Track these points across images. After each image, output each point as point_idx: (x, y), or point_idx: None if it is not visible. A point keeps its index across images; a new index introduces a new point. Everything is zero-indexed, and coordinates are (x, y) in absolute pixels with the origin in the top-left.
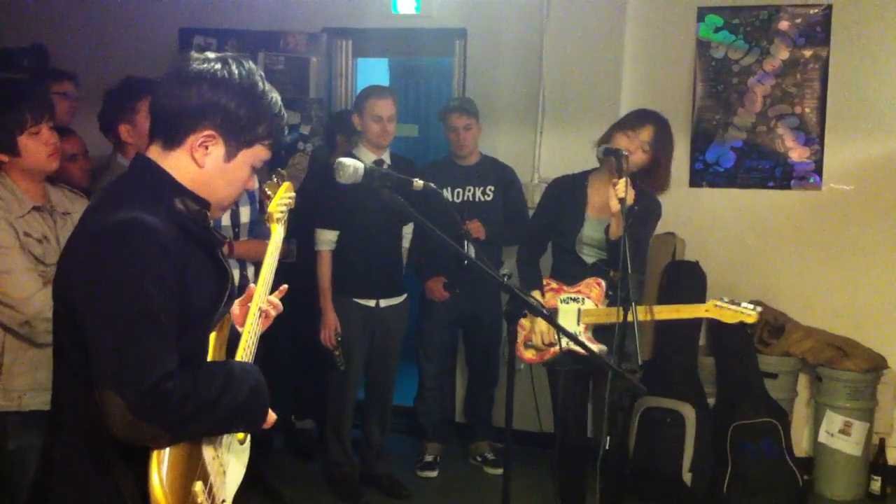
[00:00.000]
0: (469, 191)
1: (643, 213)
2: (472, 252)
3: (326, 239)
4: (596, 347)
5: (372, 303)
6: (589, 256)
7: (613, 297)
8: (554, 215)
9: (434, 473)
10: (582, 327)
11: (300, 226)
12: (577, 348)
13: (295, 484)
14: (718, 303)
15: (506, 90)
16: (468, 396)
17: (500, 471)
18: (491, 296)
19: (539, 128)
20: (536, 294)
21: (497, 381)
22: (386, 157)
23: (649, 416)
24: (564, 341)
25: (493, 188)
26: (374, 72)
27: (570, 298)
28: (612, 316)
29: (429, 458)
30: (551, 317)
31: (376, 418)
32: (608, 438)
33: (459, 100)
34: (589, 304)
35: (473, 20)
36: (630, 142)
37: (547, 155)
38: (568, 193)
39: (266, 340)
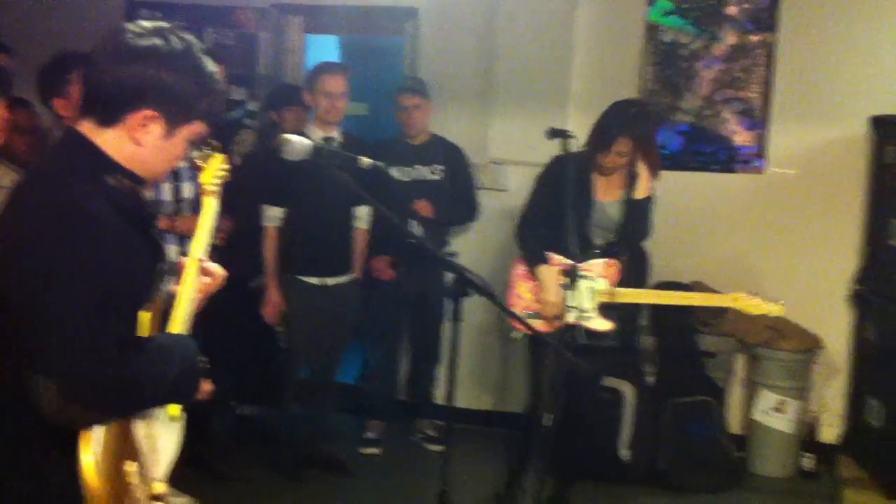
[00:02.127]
0: (418, 170)
1: (651, 201)
2: (419, 231)
3: (272, 215)
4: (608, 325)
5: (318, 281)
6: (597, 238)
7: (622, 281)
8: (556, 195)
9: (377, 450)
10: (594, 304)
11: (247, 202)
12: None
13: (236, 463)
14: (742, 295)
15: (457, 70)
16: (411, 374)
17: (441, 448)
18: (436, 275)
19: (489, 109)
20: (544, 269)
21: (440, 360)
22: (336, 134)
23: (590, 394)
24: (570, 317)
25: (441, 168)
26: (324, 49)
27: (583, 276)
28: (642, 297)
29: (372, 435)
30: (497, 297)
31: (320, 396)
32: (549, 416)
33: (410, 79)
34: (603, 284)
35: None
36: (612, 158)
37: (497, 136)
38: (572, 174)
39: (207, 322)
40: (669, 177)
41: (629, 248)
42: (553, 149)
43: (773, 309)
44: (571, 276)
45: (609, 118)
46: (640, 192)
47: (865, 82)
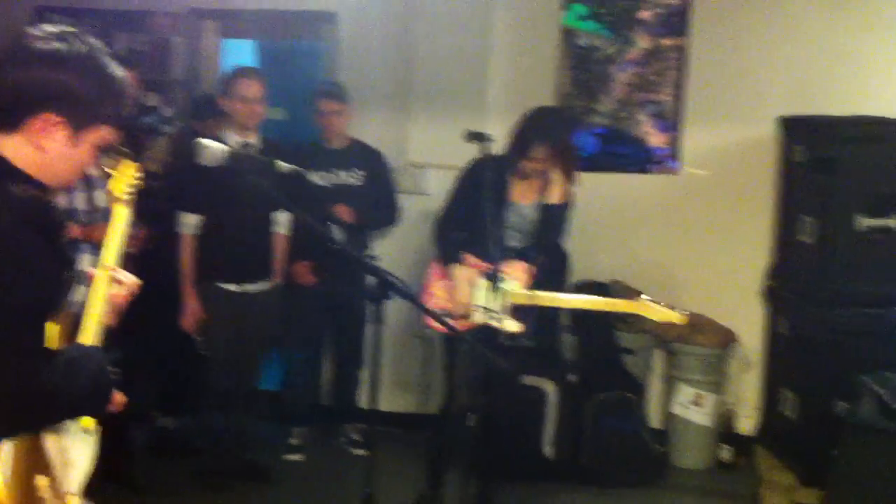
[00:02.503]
0: (338, 174)
1: (568, 206)
2: (340, 236)
3: (188, 222)
4: (516, 327)
5: (238, 287)
6: (512, 240)
7: (537, 283)
8: (474, 196)
9: (300, 457)
10: (504, 306)
11: (165, 210)
12: (496, 324)
13: (157, 475)
14: (649, 300)
15: (375, 75)
16: (334, 379)
17: (366, 452)
18: (358, 279)
19: (409, 113)
20: (456, 268)
21: (363, 364)
22: (254, 139)
23: (512, 393)
24: (480, 316)
25: (362, 172)
26: (241, 54)
27: (492, 276)
28: (548, 300)
29: (295, 441)
30: (418, 300)
31: (241, 405)
32: (470, 416)
33: (329, 84)
34: (514, 285)
35: (344, 4)
36: (529, 164)
37: (416, 139)
38: (490, 177)
39: (126, 333)
40: (587, 178)
41: (544, 250)
42: (472, 151)
43: (674, 317)
44: (489, 277)
45: (526, 125)
46: (554, 198)
47: (773, 84)
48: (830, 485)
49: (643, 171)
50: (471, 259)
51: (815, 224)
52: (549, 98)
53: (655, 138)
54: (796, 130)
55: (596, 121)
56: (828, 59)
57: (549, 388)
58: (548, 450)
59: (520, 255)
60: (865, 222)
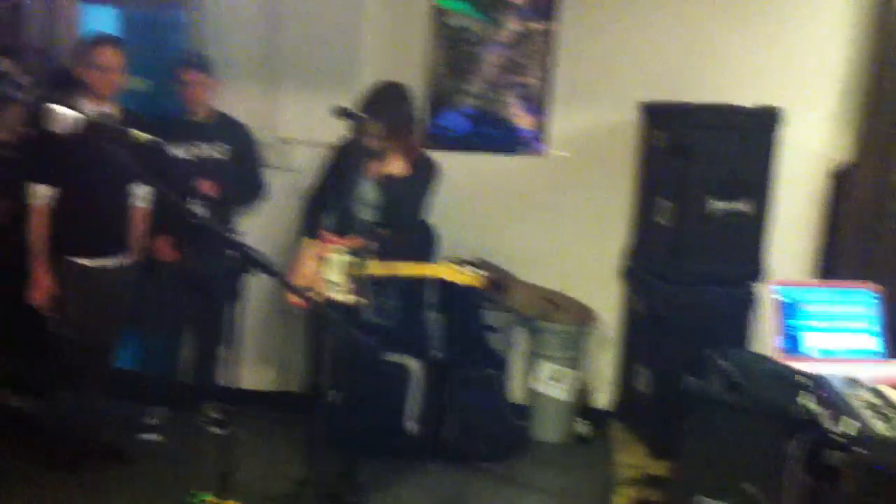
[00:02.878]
0: (201, 148)
1: (416, 178)
2: (202, 211)
3: (39, 193)
4: (353, 299)
5: (93, 262)
6: (364, 215)
7: (383, 254)
8: (337, 173)
9: (158, 437)
10: (345, 278)
11: (18, 181)
12: (340, 297)
13: (8, 457)
14: (454, 264)
15: (243, 48)
16: (195, 357)
17: (226, 431)
18: (221, 255)
19: (277, 87)
20: (306, 243)
21: (224, 342)
22: (111, 109)
23: (376, 370)
24: (326, 289)
25: (227, 146)
26: (102, 23)
27: (341, 251)
28: (362, 269)
29: (152, 421)
30: (281, 275)
31: (97, 384)
32: (333, 392)
33: (192, 55)
34: (355, 259)
35: None
36: (368, 139)
37: (285, 115)
38: (351, 154)
39: None
40: (457, 158)
41: (393, 224)
42: (342, 128)
43: (474, 280)
44: (336, 252)
45: (364, 100)
46: (398, 171)
47: (636, 70)
48: (678, 456)
49: (511, 152)
50: (326, 235)
51: (671, 207)
52: (419, 77)
53: (523, 120)
54: (656, 116)
55: (467, 101)
56: (688, 48)
57: (413, 365)
58: (411, 426)
59: (368, 229)
60: (717, 205)
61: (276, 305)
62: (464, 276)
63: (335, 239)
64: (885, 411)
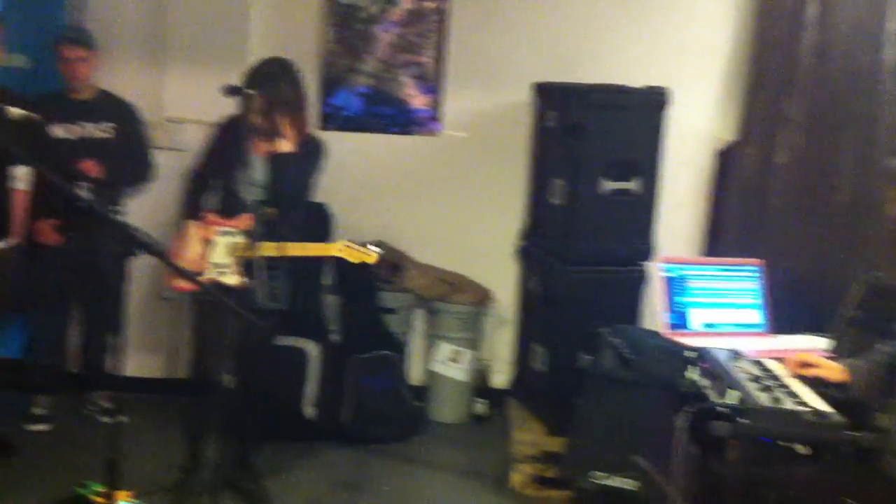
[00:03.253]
0: (85, 127)
1: (304, 156)
2: (86, 192)
3: None
4: (241, 281)
5: None
6: (248, 194)
7: (271, 235)
8: (220, 153)
9: (45, 427)
10: (232, 260)
11: None
12: (227, 280)
13: None
14: (347, 243)
15: (128, 24)
16: (82, 344)
17: (116, 419)
18: (107, 238)
19: (164, 65)
20: (190, 225)
21: (112, 327)
22: None
23: (272, 354)
24: (210, 271)
25: (112, 125)
26: None
27: (227, 232)
28: (251, 250)
29: (39, 411)
30: (165, 255)
31: None
32: (226, 377)
33: (72, 30)
34: (242, 239)
35: None
36: (252, 116)
37: (173, 93)
38: (234, 133)
39: None
40: (351, 138)
41: (278, 202)
42: (231, 106)
43: (369, 257)
44: (220, 233)
45: (247, 75)
46: (284, 147)
47: (530, 50)
48: (572, 432)
49: (407, 132)
50: (209, 216)
51: (564, 187)
52: (311, 55)
53: (417, 100)
54: (549, 96)
55: (360, 80)
56: (580, 30)
57: (311, 348)
58: (309, 410)
59: (252, 208)
60: (608, 185)
61: (162, 290)
62: (357, 254)
63: (220, 220)
64: (767, 382)
